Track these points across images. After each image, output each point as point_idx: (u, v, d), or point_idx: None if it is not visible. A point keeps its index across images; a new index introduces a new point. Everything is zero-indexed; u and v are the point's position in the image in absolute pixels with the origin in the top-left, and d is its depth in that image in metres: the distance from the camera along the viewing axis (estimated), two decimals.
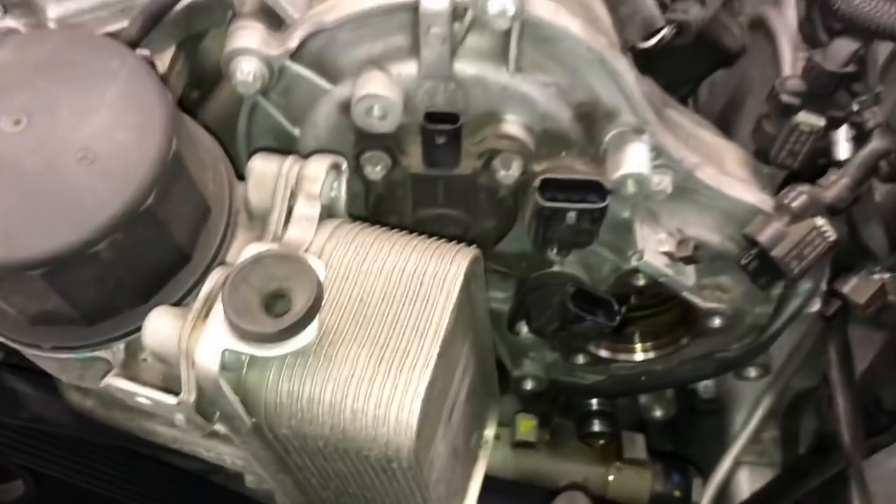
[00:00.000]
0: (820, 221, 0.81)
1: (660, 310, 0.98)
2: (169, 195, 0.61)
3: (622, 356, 0.99)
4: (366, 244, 0.67)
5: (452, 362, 0.73)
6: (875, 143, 0.83)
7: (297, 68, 0.73)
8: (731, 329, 0.94)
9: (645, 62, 0.92)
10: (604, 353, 0.98)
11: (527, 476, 1.16)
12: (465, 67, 0.71)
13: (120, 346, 0.65)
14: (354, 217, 0.72)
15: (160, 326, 0.60)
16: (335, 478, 0.70)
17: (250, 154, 0.71)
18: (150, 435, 0.84)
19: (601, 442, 1.13)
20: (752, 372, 1.03)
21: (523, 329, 0.93)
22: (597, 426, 1.11)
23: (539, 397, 1.15)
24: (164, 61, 0.79)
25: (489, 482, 0.97)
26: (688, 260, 0.81)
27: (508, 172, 0.73)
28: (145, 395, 0.61)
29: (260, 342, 0.57)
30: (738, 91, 1.09)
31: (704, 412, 1.56)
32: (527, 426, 1.15)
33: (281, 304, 0.59)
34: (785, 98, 0.81)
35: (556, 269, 0.86)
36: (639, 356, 0.99)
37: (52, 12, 0.74)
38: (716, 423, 1.50)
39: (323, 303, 0.61)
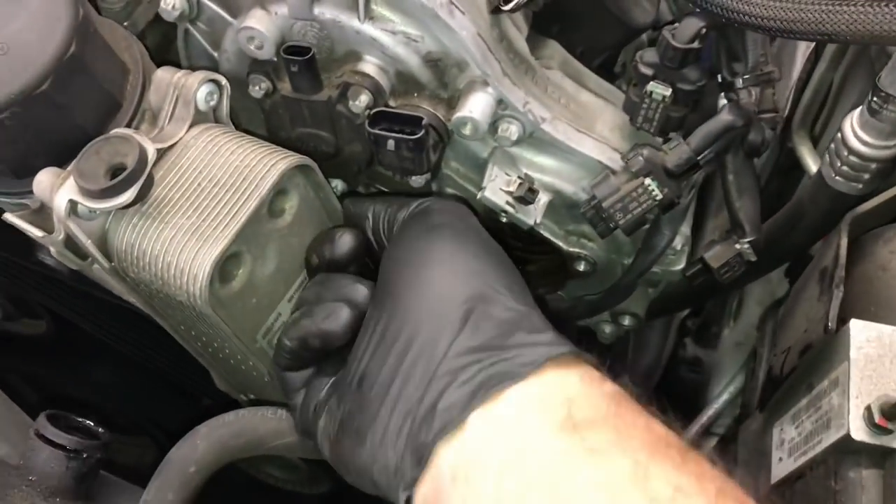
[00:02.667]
0: (648, 181, 0.90)
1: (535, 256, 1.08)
2: (67, 86, 0.82)
3: None
4: (219, 143, 0.85)
5: (298, 252, 0.90)
6: (720, 116, 0.90)
7: (208, 3, 0.91)
8: (604, 276, 1.04)
9: (560, 30, 1.04)
10: None
11: None
12: (325, 11, 0.86)
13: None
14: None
15: (41, 179, 0.82)
16: (184, 322, 0.90)
17: None
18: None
19: None
20: (627, 320, 1.11)
21: None
22: None
23: None
24: None
25: None
26: (522, 200, 0.92)
27: (356, 103, 0.88)
28: (23, 227, 0.83)
29: (91, 197, 0.77)
30: None
31: (687, 381, 1.63)
32: None
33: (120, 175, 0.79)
34: (641, 68, 0.90)
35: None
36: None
37: None
38: (694, 393, 1.57)
39: (165, 178, 0.81)
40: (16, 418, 0.96)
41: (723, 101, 0.94)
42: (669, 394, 1.61)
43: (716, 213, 1.14)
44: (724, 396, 1.45)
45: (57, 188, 0.80)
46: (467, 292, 0.76)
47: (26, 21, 0.81)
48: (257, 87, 0.92)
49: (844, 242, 0.90)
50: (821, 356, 0.83)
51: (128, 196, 0.77)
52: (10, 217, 0.84)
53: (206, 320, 0.84)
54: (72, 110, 0.83)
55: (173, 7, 0.91)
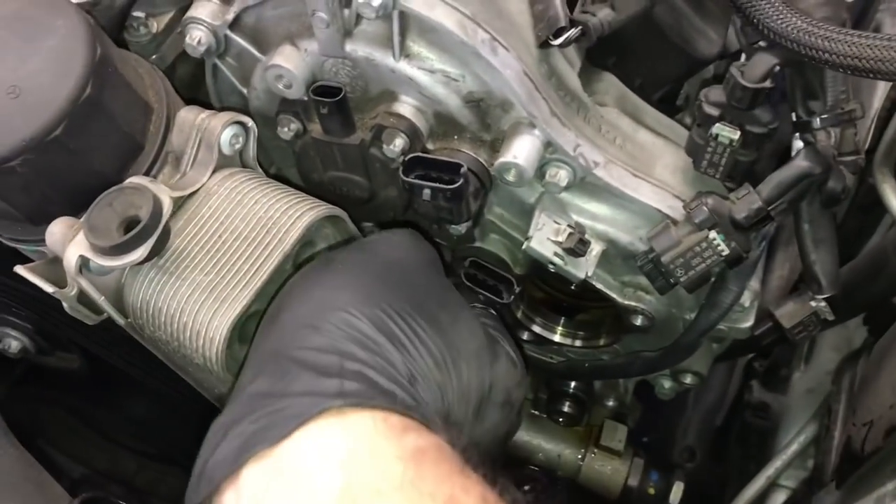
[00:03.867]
0: (712, 234, 0.81)
1: (590, 304, 1.00)
2: (83, 130, 0.76)
3: (547, 335, 1.03)
4: (243, 192, 0.79)
5: None
6: (796, 164, 0.81)
7: (236, 38, 0.85)
8: (659, 331, 0.95)
9: (617, 61, 0.95)
10: (538, 331, 1.03)
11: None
12: (358, 49, 0.80)
13: None
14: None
15: (54, 231, 0.77)
16: (209, 382, 0.84)
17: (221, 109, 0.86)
18: None
19: (560, 420, 1.16)
20: (689, 378, 1.02)
21: None
22: (566, 407, 1.15)
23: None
24: (162, 23, 0.95)
25: None
26: (572, 252, 0.84)
27: (391, 147, 0.81)
28: (34, 281, 0.78)
29: (102, 254, 0.72)
30: None
31: (754, 428, 1.52)
32: None
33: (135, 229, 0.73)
34: (706, 108, 0.81)
35: (477, 244, 0.93)
36: (557, 338, 1.02)
37: None
38: (762, 441, 1.47)
39: (185, 231, 0.75)
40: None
41: (798, 143, 0.85)
42: (737, 440, 1.52)
43: (782, 258, 1.05)
44: (794, 447, 1.34)
45: (68, 242, 0.74)
46: (285, 337, 0.69)
47: (40, 62, 0.76)
48: (286, 129, 0.85)
49: None
50: None
51: (140, 253, 0.71)
52: (20, 269, 0.79)
53: (228, 382, 0.78)
54: (89, 155, 0.78)
55: (199, 42, 0.85)
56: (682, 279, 0.82)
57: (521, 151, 0.80)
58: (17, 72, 0.75)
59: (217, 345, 0.72)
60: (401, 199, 0.88)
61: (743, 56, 0.84)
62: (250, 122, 0.83)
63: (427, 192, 0.79)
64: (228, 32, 0.85)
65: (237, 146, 0.82)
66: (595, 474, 1.19)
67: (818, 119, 0.81)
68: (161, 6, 0.95)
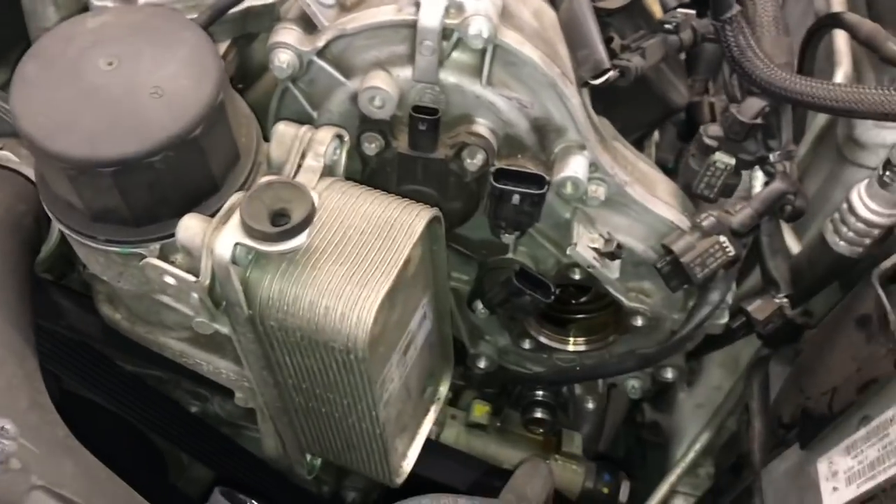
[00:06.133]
0: (723, 238, 1.01)
1: (596, 312, 1.16)
2: (211, 133, 0.81)
3: (559, 345, 1.17)
4: (353, 194, 0.88)
5: (411, 303, 0.93)
6: (775, 185, 1.03)
7: (322, 63, 0.94)
8: (652, 330, 1.12)
9: (604, 106, 1.14)
10: (545, 340, 1.17)
11: (476, 455, 1.34)
12: (449, 76, 0.92)
13: (157, 245, 0.85)
14: None
15: (190, 225, 0.81)
16: (307, 376, 0.89)
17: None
18: (162, 349, 1.04)
19: (541, 430, 1.30)
20: (670, 373, 1.20)
21: (479, 307, 1.12)
22: (538, 413, 1.28)
23: (499, 391, 1.33)
24: (219, 51, 1.01)
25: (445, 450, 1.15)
26: (611, 256, 1.00)
27: (472, 161, 0.93)
28: (172, 272, 0.81)
29: (264, 240, 0.77)
30: None
31: (651, 445, 1.73)
32: (481, 410, 1.32)
33: (282, 220, 0.79)
34: (706, 140, 1.02)
35: (509, 255, 1.06)
36: (571, 347, 1.17)
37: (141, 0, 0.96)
38: (660, 457, 1.67)
39: (313, 225, 0.82)
40: None
41: (759, 174, 1.08)
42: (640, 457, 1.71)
43: None
44: (691, 455, 1.56)
45: (215, 232, 0.79)
46: None
47: (177, 68, 0.81)
48: (372, 145, 0.95)
49: (882, 293, 1.04)
50: (890, 388, 0.95)
51: (301, 240, 0.78)
52: (154, 261, 0.81)
53: (343, 369, 0.84)
54: (211, 157, 0.83)
55: (287, 65, 0.93)
56: (698, 276, 1.00)
57: (577, 167, 0.96)
58: (156, 75, 0.80)
59: (364, 323, 0.79)
60: (462, 211, 1.00)
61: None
62: (346, 136, 0.91)
63: (517, 196, 0.92)
64: (314, 58, 0.94)
65: (335, 158, 0.91)
66: (558, 478, 1.33)
67: (776, 154, 1.05)
68: (217, 35, 1.01)
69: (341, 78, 0.95)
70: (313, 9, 0.93)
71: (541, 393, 1.29)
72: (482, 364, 1.21)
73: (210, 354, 1.00)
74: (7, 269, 0.90)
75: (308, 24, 0.95)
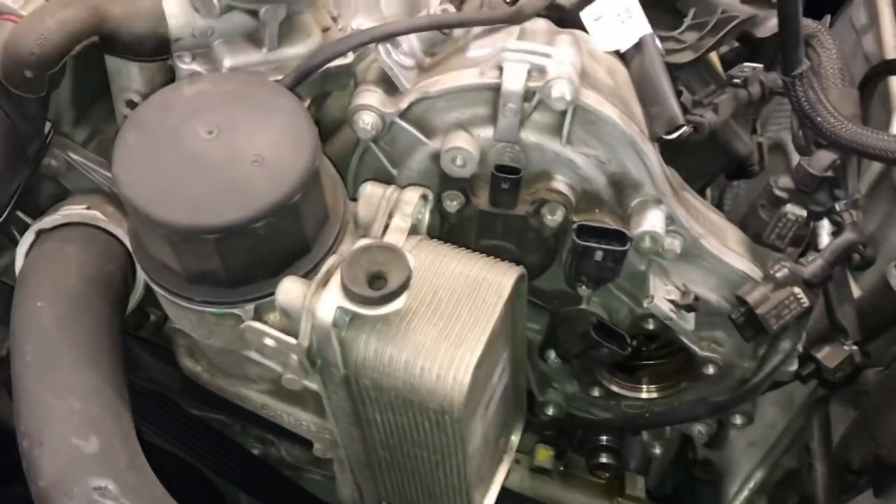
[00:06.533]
0: (797, 290, 1.02)
1: (665, 358, 1.17)
2: (308, 197, 0.84)
3: (631, 393, 1.18)
4: (441, 253, 0.90)
5: (494, 360, 0.94)
6: (846, 235, 1.04)
7: (404, 124, 0.97)
8: (722, 378, 1.13)
9: (671, 156, 1.16)
10: (616, 388, 1.18)
11: (541, 500, 1.34)
12: (530, 135, 0.94)
13: (251, 306, 0.87)
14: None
15: (290, 288, 0.83)
16: (396, 433, 0.90)
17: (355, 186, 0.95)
18: (243, 400, 1.06)
19: (607, 474, 1.31)
20: (738, 419, 1.21)
21: (551, 356, 1.13)
22: (604, 458, 1.29)
23: (559, 433, 1.34)
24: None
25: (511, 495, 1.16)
26: (688, 308, 1.02)
27: (553, 217, 0.95)
28: (273, 335, 0.83)
29: (364, 304, 0.79)
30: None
31: (703, 482, 1.73)
32: (544, 455, 1.33)
33: (379, 283, 0.81)
34: (777, 192, 1.04)
35: (583, 306, 1.08)
36: (644, 394, 1.18)
37: (227, 62, 0.99)
38: (712, 494, 1.67)
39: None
40: None
41: (825, 223, 1.09)
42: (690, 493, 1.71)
43: None
44: (745, 494, 1.57)
45: (316, 296, 0.81)
46: None
47: (275, 135, 0.83)
48: (453, 203, 0.97)
49: None
50: None
51: (400, 303, 0.79)
52: (255, 325, 0.84)
53: (435, 427, 0.86)
54: (306, 220, 0.85)
55: (371, 126, 0.96)
56: (774, 327, 1.02)
57: (655, 222, 0.98)
58: (256, 143, 0.82)
59: (462, 384, 0.81)
60: (539, 266, 1.01)
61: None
62: (430, 195, 0.94)
63: (600, 253, 0.93)
64: (397, 119, 0.96)
65: (419, 217, 0.93)
66: None
67: (843, 203, 1.06)
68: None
69: (423, 138, 0.97)
70: (395, 72, 0.96)
71: (605, 437, 1.30)
72: (550, 411, 1.23)
73: (292, 407, 1.02)
74: (102, 329, 0.92)
75: (389, 86, 0.98)
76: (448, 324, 0.84)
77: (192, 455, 1.34)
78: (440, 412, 0.83)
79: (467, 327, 0.84)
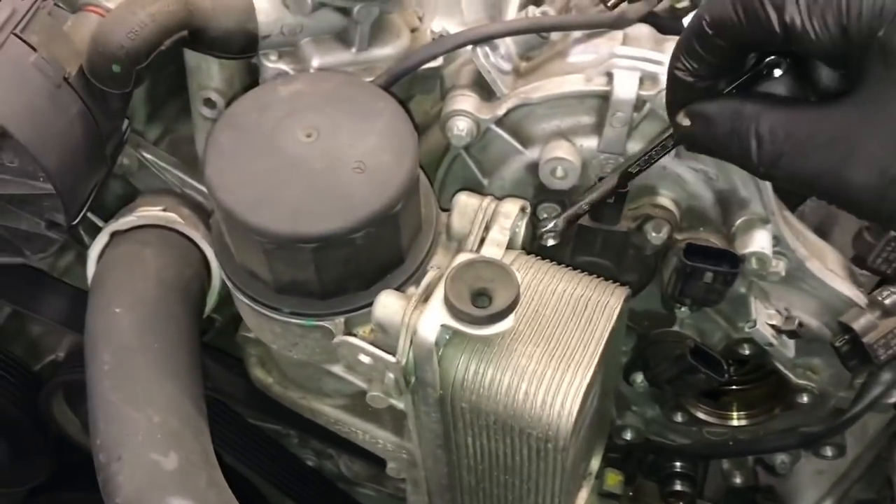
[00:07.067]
0: None
1: (752, 384, 1.12)
2: (407, 207, 0.79)
3: (717, 420, 1.13)
4: (542, 270, 0.85)
5: (596, 385, 0.89)
6: None
7: (499, 131, 0.92)
8: (815, 407, 1.08)
9: None
10: (701, 415, 1.12)
11: None
12: (636, 147, 0.89)
13: (342, 319, 0.82)
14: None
15: (388, 303, 0.78)
16: (487, 458, 0.85)
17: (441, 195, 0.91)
18: (315, 415, 1.01)
19: (680, 502, 1.25)
20: (829, 451, 1.15)
21: (638, 379, 1.08)
22: (678, 486, 1.23)
23: (625, 457, 1.29)
24: None
25: None
26: (791, 334, 0.96)
27: (657, 235, 0.90)
28: (370, 351, 0.78)
29: (470, 323, 0.74)
30: (826, 220, 1.25)
31: None
32: (614, 479, 1.27)
33: (482, 300, 0.76)
34: None
35: (675, 328, 1.02)
36: (733, 422, 1.13)
37: (315, 62, 0.94)
38: None
39: None
40: None
41: None
42: None
43: None
44: None
45: (416, 312, 0.76)
46: None
47: (376, 141, 0.79)
48: (549, 215, 0.92)
49: None
50: None
51: (508, 323, 0.74)
52: (351, 340, 0.79)
53: (535, 456, 0.81)
54: (403, 230, 0.81)
55: (465, 133, 0.91)
56: (882, 357, 0.96)
57: (762, 242, 0.92)
58: (357, 149, 0.78)
59: (570, 412, 0.76)
60: (636, 284, 0.96)
61: None
62: (528, 207, 0.89)
63: (709, 275, 0.88)
64: (492, 126, 0.91)
65: (517, 230, 0.88)
66: None
67: None
68: None
69: (519, 146, 0.92)
70: (493, 76, 0.91)
71: (679, 464, 1.25)
72: (628, 436, 1.17)
73: (369, 424, 0.98)
74: (181, 339, 0.88)
75: (483, 90, 0.93)
76: (553, 346, 0.79)
77: (248, 463, 1.29)
78: (543, 440, 0.78)
79: (575, 350, 0.79)
